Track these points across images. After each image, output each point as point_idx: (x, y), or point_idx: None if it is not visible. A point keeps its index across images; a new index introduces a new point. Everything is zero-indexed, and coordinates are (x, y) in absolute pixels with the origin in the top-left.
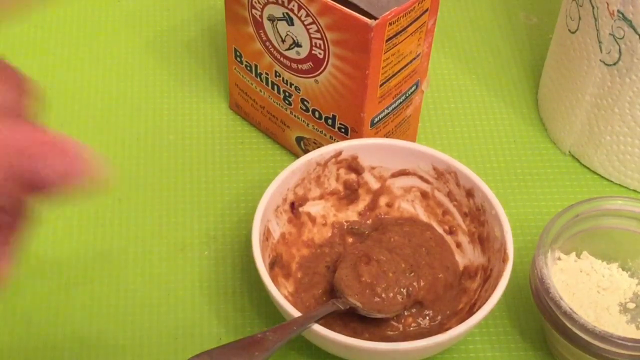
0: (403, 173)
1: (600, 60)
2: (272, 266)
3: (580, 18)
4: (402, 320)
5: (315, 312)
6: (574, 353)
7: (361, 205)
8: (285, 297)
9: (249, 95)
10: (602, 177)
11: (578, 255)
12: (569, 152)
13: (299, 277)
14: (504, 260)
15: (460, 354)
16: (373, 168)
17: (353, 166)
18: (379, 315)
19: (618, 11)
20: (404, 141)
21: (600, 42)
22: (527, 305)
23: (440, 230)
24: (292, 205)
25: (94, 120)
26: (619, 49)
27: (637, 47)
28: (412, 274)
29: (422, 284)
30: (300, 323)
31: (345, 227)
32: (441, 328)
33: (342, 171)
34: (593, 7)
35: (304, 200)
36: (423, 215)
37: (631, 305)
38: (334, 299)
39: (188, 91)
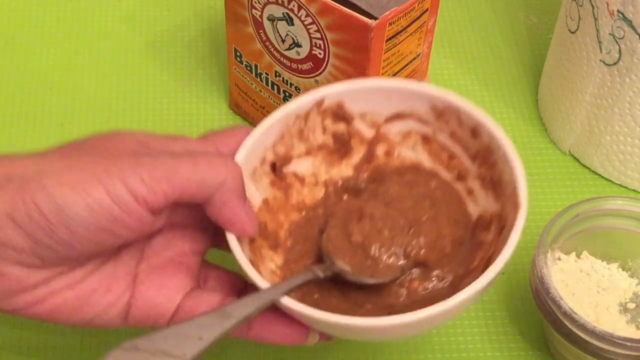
0: (398, 117)
1: (600, 60)
2: (252, 239)
3: (580, 18)
4: (407, 285)
5: (286, 282)
6: (574, 353)
7: (356, 157)
8: (272, 272)
9: (249, 95)
10: (602, 177)
11: (578, 255)
12: (569, 152)
13: (288, 246)
14: (516, 206)
15: (461, 353)
16: (363, 114)
17: (340, 114)
18: (371, 281)
19: (618, 11)
20: (395, 79)
21: (600, 42)
22: (527, 305)
23: (448, 176)
24: (274, 166)
25: (93, 120)
26: (619, 49)
27: (637, 47)
28: (412, 230)
29: (422, 241)
30: (260, 297)
31: (340, 184)
32: (453, 290)
33: (328, 121)
34: (593, 7)
35: (286, 159)
36: (427, 162)
37: (631, 305)
38: (318, 264)
39: (188, 91)
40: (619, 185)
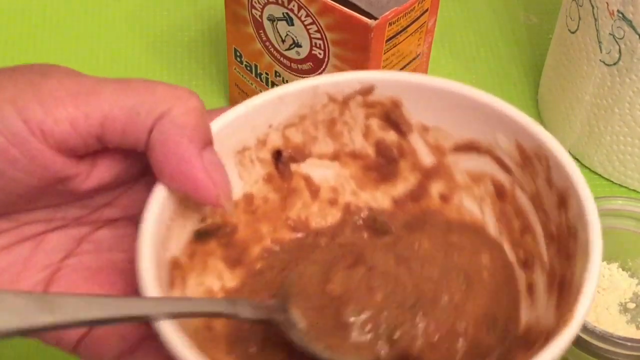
0: (473, 147)
1: (600, 60)
2: (201, 236)
3: (580, 18)
4: None
5: (185, 301)
6: (574, 353)
7: (401, 187)
8: (208, 292)
9: (248, 96)
10: (602, 177)
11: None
12: (569, 152)
13: (255, 270)
14: (564, 321)
15: None
16: (426, 129)
17: (393, 118)
18: (329, 357)
19: (618, 11)
20: (476, 90)
21: (600, 42)
22: None
23: (512, 257)
24: (278, 154)
25: None
26: (619, 49)
27: (637, 47)
28: (418, 311)
29: (426, 329)
30: (125, 303)
31: (366, 213)
32: None
33: (374, 122)
34: (593, 7)
35: (301, 153)
36: (492, 227)
37: (631, 305)
38: (256, 300)
39: None
40: (619, 185)
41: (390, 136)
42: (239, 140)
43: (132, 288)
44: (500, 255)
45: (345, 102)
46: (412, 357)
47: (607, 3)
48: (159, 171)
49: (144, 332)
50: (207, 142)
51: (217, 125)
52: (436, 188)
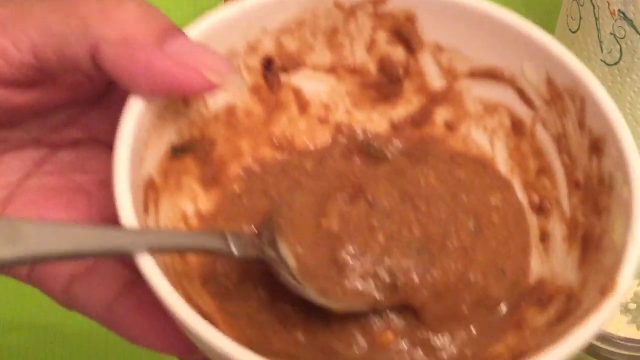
0: (492, 74)
1: (601, 60)
2: (177, 152)
3: (580, 17)
4: (373, 333)
5: (166, 233)
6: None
7: (401, 109)
8: (182, 218)
9: None
10: None
11: None
12: None
13: (233, 192)
14: (604, 291)
15: None
16: (440, 49)
17: (404, 33)
18: (319, 300)
19: (619, 11)
20: (505, 10)
21: (601, 41)
22: None
23: (523, 199)
24: (268, 62)
25: None
26: (620, 49)
27: (638, 47)
28: (423, 254)
29: (430, 277)
30: (101, 233)
31: (359, 136)
32: None
33: (381, 35)
34: (594, 7)
35: (294, 62)
36: (504, 164)
37: (632, 306)
38: (246, 234)
39: None
40: None
41: (398, 53)
42: (228, 44)
43: (97, 210)
44: (511, 196)
45: (352, 11)
46: (414, 307)
47: (608, 2)
48: (125, 82)
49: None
50: (167, 32)
51: (205, 25)
52: (442, 114)
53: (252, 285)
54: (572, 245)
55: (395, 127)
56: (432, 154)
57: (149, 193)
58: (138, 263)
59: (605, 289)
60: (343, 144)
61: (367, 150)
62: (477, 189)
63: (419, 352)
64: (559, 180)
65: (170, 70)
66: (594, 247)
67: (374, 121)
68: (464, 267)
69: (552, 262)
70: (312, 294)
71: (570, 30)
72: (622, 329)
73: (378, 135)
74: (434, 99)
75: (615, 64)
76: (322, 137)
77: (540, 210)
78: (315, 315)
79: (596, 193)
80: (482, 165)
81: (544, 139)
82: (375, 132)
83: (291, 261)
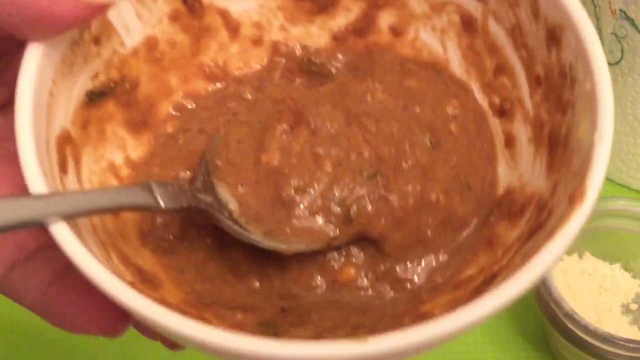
0: None
1: None
2: (94, 97)
3: None
4: (331, 271)
5: (84, 195)
6: (576, 354)
7: (341, 19)
8: (111, 169)
9: None
10: (605, 177)
11: (580, 256)
12: None
13: (166, 133)
14: (573, 199)
15: (462, 354)
16: None
17: None
18: (268, 243)
19: (620, 10)
20: None
21: (602, 41)
22: (529, 305)
23: (483, 102)
24: None
25: None
26: (621, 48)
27: (639, 46)
28: (376, 178)
29: (385, 204)
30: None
31: (299, 54)
32: (412, 306)
33: None
34: (595, 6)
35: None
36: (458, 66)
37: (634, 307)
38: (175, 181)
39: None
40: (622, 185)
41: None
42: None
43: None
44: (469, 101)
45: None
46: (373, 238)
47: (609, 2)
48: (7, 29)
49: (42, 238)
50: None
51: None
52: (386, 19)
53: (197, 234)
54: (539, 148)
55: (337, 39)
56: (379, 65)
57: (66, 148)
58: (51, 232)
59: (574, 197)
60: (282, 65)
61: (309, 68)
62: (431, 98)
63: (385, 286)
64: (518, 78)
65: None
66: (561, 147)
67: (313, 35)
68: (423, 188)
69: (520, 169)
70: (259, 238)
71: None
72: (624, 329)
73: (319, 50)
74: (374, 3)
75: (617, 63)
76: (259, 59)
77: (502, 112)
78: (269, 260)
79: (558, 87)
80: (435, 70)
81: (498, 33)
82: (315, 47)
83: (233, 205)
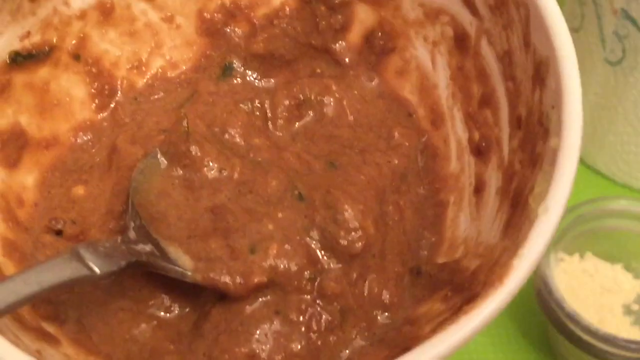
0: None
1: (604, 59)
2: (22, 58)
3: (583, 16)
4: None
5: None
6: (577, 355)
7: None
8: (19, 125)
9: None
10: (606, 177)
11: (581, 256)
12: None
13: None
14: (492, 278)
15: (463, 356)
16: None
17: None
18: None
19: (622, 9)
20: None
21: (603, 40)
22: (530, 306)
23: (463, 136)
24: None
25: None
26: (623, 48)
27: None
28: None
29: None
30: None
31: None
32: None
33: None
34: (596, 6)
35: None
36: (444, 87)
37: (635, 307)
38: (103, 242)
39: None
40: (623, 185)
41: None
42: None
43: None
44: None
45: None
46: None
47: (610, 1)
48: None
49: None
50: None
51: None
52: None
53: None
54: (503, 203)
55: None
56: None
57: None
58: None
59: (493, 275)
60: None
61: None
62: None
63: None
64: (501, 113)
65: None
66: (520, 208)
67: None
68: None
69: (481, 222)
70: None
71: (572, 28)
72: (625, 330)
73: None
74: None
75: (618, 62)
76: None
77: (478, 151)
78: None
79: (534, 136)
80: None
81: (489, 56)
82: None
83: (188, 262)
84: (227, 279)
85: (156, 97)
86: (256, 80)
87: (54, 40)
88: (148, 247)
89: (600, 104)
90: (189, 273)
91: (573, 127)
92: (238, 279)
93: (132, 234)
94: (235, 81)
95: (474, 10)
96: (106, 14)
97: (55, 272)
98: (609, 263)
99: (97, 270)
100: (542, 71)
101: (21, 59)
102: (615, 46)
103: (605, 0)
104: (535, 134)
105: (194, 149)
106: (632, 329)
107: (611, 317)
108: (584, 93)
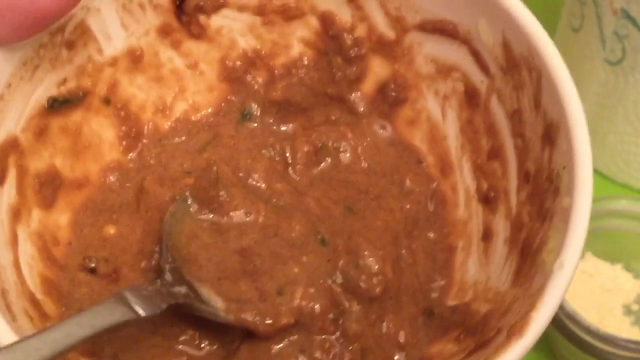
0: (445, 29)
1: (604, 59)
2: (58, 104)
3: (583, 16)
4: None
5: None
6: (577, 355)
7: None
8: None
9: None
10: (606, 177)
11: (581, 256)
12: None
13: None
14: (512, 331)
15: None
16: None
17: None
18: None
19: (622, 9)
20: None
21: (603, 40)
22: None
23: (472, 185)
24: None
25: None
26: (623, 48)
27: None
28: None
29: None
30: None
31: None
32: None
33: None
34: (596, 5)
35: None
36: (454, 138)
37: (635, 307)
38: (145, 285)
39: None
40: (623, 185)
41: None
42: None
43: None
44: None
45: None
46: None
47: (610, 1)
48: None
49: None
50: None
51: None
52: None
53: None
54: (512, 252)
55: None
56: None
57: (9, 157)
58: None
59: (513, 329)
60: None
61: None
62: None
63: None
64: (510, 167)
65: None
66: (530, 260)
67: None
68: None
69: (490, 268)
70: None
71: (572, 28)
72: (625, 330)
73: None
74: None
75: (619, 62)
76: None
77: (486, 200)
78: (252, 341)
79: (543, 192)
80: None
81: (498, 113)
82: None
83: (220, 303)
84: (257, 319)
85: (179, 139)
86: (273, 126)
87: (88, 86)
88: (183, 289)
89: (600, 104)
90: (222, 314)
91: (585, 189)
92: (267, 320)
93: (168, 276)
94: (253, 125)
95: (485, 70)
96: (136, 61)
97: (105, 315)
98: (609, 263)
99: (142, 313)
100: (552, 132)
101: (58, 105)
102: (615, 46)
103: (605, 0)
104: (544, 189)
105: (222, 194)
106: (632, 329)
107: (611, 317)
108: (584, 93)
